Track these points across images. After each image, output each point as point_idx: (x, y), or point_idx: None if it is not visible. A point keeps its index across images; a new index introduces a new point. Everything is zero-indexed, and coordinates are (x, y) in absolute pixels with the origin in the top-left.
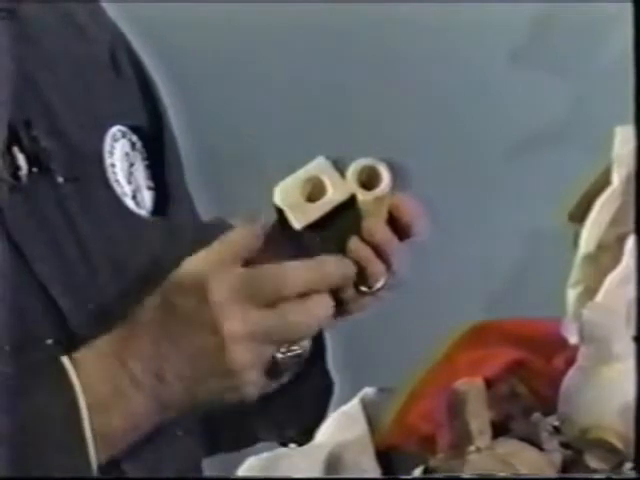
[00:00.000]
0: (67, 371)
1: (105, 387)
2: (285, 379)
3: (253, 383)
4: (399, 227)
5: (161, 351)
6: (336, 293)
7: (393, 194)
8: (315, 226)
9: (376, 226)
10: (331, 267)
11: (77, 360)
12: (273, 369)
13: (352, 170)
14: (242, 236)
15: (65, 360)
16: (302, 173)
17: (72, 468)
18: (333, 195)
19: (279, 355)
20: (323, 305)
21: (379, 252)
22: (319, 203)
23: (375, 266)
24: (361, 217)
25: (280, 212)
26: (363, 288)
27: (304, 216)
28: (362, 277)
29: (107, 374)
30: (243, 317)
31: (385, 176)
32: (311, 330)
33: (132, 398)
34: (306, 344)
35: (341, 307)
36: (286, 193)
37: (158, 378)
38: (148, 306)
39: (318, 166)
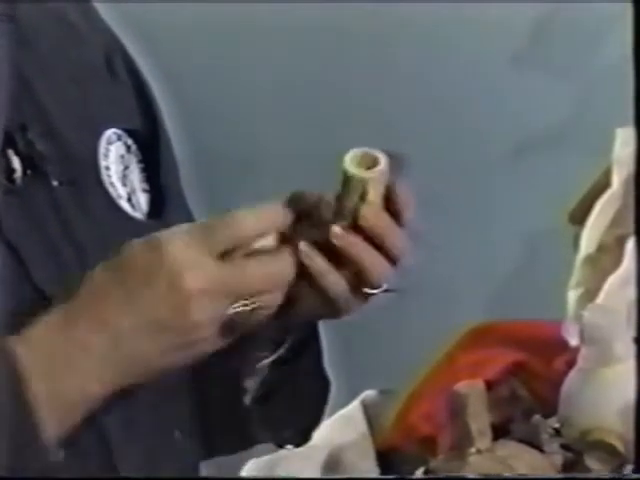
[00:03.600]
0: (5, 342)
1: (53, 355)
2: (238, 335)
3: (209, 339)
4: (393, 213)
5: (113, 311)
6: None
7: (390, 181)
8: None
9: (373, 213)
10: (279, 210)
11: (23, 333)
12: (228, 324)
13: (350, 157)
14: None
15: (7, 338)
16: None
17: (21, 436)
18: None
19: (233, 310)
20: (282, 260)
21: (380, 245)
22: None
23: (377, 263)
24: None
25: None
26: (367, 290)
27: None
28: (364, 276)
29: (55, 342)
30: (202, 271)
31: (382, 160)
32: (269, 284)
33: (82, 364)
34: (269, 298)
35: (337, 308)
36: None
37: (110, 340)
38: (97, 273)
39: None
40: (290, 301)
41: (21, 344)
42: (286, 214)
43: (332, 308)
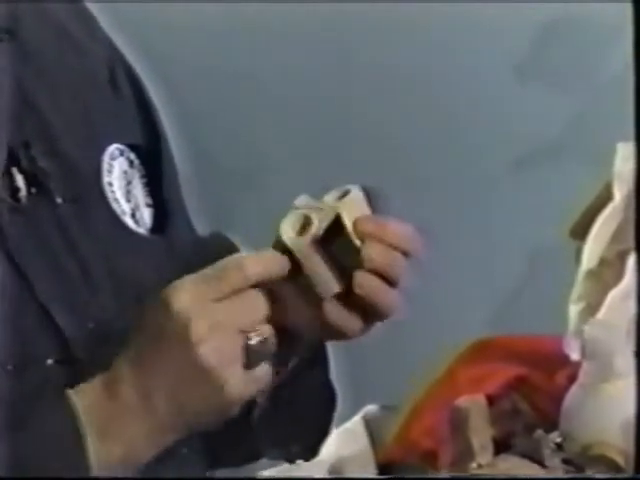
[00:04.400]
0: (70, 400)
1: (101, 415)
2: (262, 369)
3: (234, 380)
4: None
5: (143, 372)
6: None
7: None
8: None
9: (373, 250)
10: (277, 257)
11: (81, 390)
12: (248, 358)
13: (331, 196)
14: None
15: (68, 391)
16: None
17: None
18: (319, 223)
19: (251, 342)
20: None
21: (387, 277)
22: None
23: (387, 295)
24: (356, 248)
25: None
26: (377, 321)
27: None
28: (375, 310)
29: (101, 403)
30: (205, 314)
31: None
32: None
33: (127, 424)
34: (268, 330)
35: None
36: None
37: (147, 399)
38: (130, 339)
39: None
40: (298, 330)
41: (80, 401)
42: (284, 262)
43: (339, 334)
